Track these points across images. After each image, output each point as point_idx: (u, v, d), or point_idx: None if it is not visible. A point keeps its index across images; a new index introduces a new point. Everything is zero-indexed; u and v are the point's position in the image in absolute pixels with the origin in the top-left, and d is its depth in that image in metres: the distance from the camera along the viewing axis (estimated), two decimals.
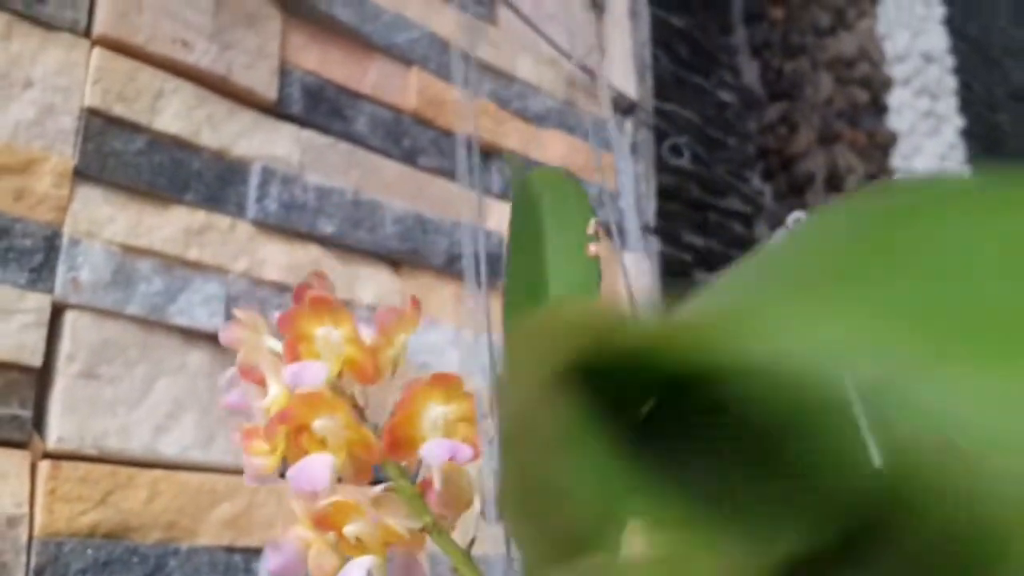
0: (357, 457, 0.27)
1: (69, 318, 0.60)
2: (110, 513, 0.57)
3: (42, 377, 0.59)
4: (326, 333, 0.28)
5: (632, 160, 1.03)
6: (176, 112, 0.67)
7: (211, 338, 0.66)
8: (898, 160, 1.48)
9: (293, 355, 0.27)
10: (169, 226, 0.66)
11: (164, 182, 0.66)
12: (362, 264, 0.76)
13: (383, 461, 0.27)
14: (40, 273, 0.59)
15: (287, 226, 0.72)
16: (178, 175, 0.67)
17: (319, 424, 0.26)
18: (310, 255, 0.73)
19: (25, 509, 0.56)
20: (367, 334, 0.29)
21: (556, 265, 0.47)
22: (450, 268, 0.82)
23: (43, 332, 0.58)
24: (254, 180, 0.71)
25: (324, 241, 0.74)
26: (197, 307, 0.65)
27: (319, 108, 0.77)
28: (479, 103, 0.89)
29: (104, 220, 0.63)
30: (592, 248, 0.42)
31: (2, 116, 0.60)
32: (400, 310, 0.33)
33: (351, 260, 0.75)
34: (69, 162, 0.62)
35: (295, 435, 0.26)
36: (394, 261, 0.78)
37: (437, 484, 0.26)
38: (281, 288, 0.70)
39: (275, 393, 0.28)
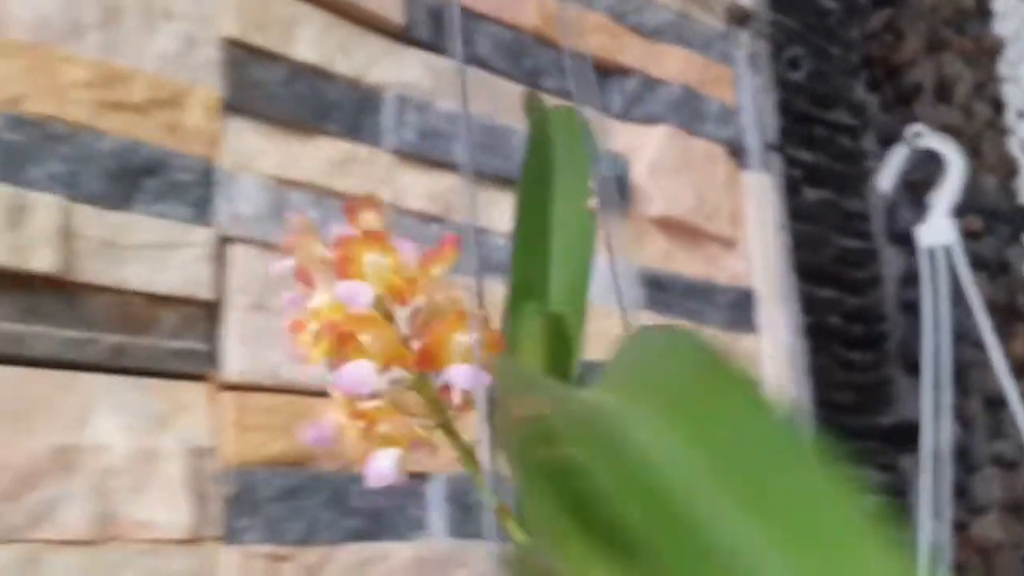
0: (392, 366, 0.32)
1: (235, 251, 0.60)
2: (294, 442, 0.58)
3: (214, 311, 0.59)
4: (375, 260, 0.33)
5: (750, 74, 1.00)
6: (310, 40, 0.66)
7: None
8: (1005, 67, 1.43)
9: (343, 273, 0.32)
10: (315, 157, 0.65)
11: (306, 112, 0.65)
12: (494, 189, 0.74)
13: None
14: (201, 208, 0.59)
15: (423, 154, 0.71)
16: (318, 105, 0.66)
17: (365, 338, 0.31)
18: (447, 182, 0.72)
19: (211, 440, 0.56)
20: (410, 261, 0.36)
21: (560, 212, 0.47)
22: None
23: (211, 266, 0.58)
24: (389, 108, 0.70)
25: (459, 169, 0.73)
26: None
27: (444, 31, 0.75)
28: (595, 18, 0.87)
29: (256, 152, 0.62)
30: (592, 201, 0.43)
31: (147, 49, 0.59)
32: (438, 250, 0.37)
33: (484, 186, 0.74)
34: (216, 94, 0.61)
35: (341, 342, 0.31)
36: None
37: (456, 397, 0.31)
38: (423, 217, 0.70)
39: (324, 300, 0.33)
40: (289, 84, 0.65)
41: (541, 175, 0.48)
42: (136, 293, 0.56)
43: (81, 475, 0.51)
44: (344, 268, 0.34)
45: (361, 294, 0.33)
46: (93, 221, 0.55)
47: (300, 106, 0.65)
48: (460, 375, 0.32)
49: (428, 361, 0.33)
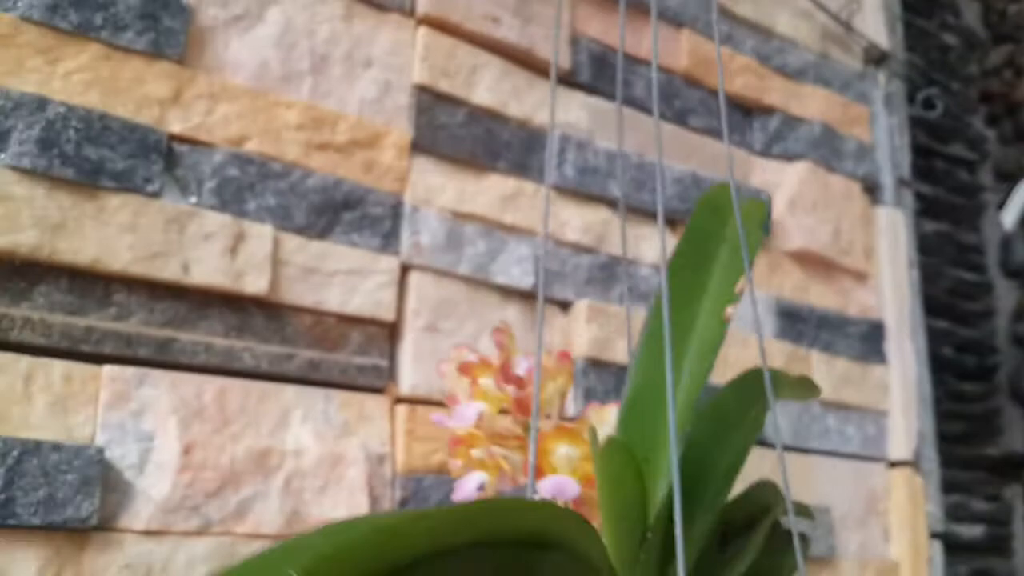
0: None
1: (414, 278, 0.64)
2: None
3: (393, 331, 0.63)
4: (486, 383, 0.45)
5: (886, 112, 1.00)
6: (488, 86, 0.70)
7: (523, 295, 0.69)
8: None
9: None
10: (487, 193, 0.69)
11: (481, 151, 0.69)
12: (644, 224, 0.77)
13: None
14: (388, 238, 0.64)
15: (581, 189, 0.74)
16: (491, 144, 0.70)
17: (480, 452, 0.44)
18: (600, 216, 0.75)
19: (388, 448, 0.61)
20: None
21: (705, 314, 0.48)
22: None
23: (394, 291, 0.63)
24: (551, 142, 0.73)
25: (613, 203, 0.75)
26: (512, 266, 0.69)
27: (604, 74, 0.78)
28: (741, 60, 0.89)
29: (437, 188, 0.66)
30: (728, 311, 0.45)
31: (350, 94, 0.64)
32: (545, 366, 0.47)
33: (635, 220, 0.77)
34: (407, 136, 0.65)
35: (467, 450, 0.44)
36: (672, 220, 0.79)
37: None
38: (578, 248, 0.73)
39: (459, 420, 0.46)
40: (468, 126, 0.69)
41: (700, 267, 0.50)
42: (331, 314, 0.60)
43: (277, 476, 0.56)
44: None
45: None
46: (298, 249, 0.60)
47: (476, 146, 0.69)
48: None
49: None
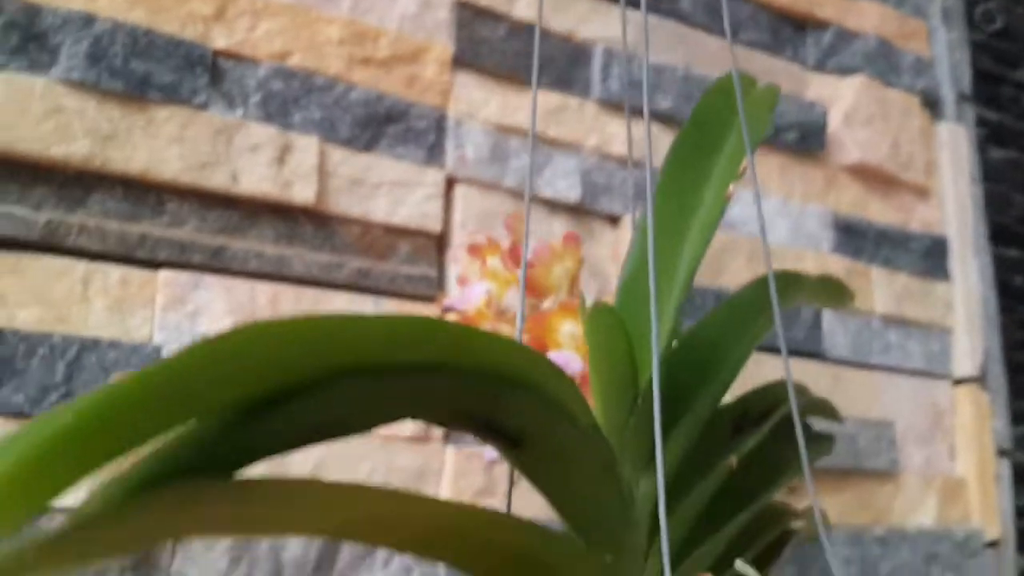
0: None
1: (459, 190, 0.64)
2: None
3: (441, 242, 0.64)
4: (494, 264, 0.45)
5: (944, 27, 0.96)
6: (528, 1, 0.70)
7: (569, 209, 0.69)
8: None
9: (543, 342, 0.44)
10: (530, 107, 0.68)
11: (524, 66, 0.69)
12: None
13: None
14: (433, 151, 0.64)
15: (637, 104, 0.73)
16: (532, 59, 0.69)
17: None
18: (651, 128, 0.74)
19: None
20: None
21: (710, 194, 0.47)
22: (776, 140, 0.81)
23: (440, 203, 0.63)
24: (597, 62, 0.72)
25: (660, 116, 0.74)
26: (558, 180, 0.68)
27: None
28: None
29: (480, 102, 0.66)
30: (729, 189, 0.44)
31: (390, 10, 0.64)
32: (552, 246, 0.47)
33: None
34: (448, 50, 0.65)
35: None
36: None
37: None
38: (622, 161, 0.72)
39: (467, 300, 0.47)
40: (509, 41, 0.68)
41: (707, 150, 0.49)
42: (378, 225, 0.61)
43: None
44: (547, 339, 0.45)
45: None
46: (344, 161, 0.60)
47: (518, 61, 0.68)
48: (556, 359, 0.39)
49: (540, 346, 0.44)
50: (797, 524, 0.56)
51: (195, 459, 0.29)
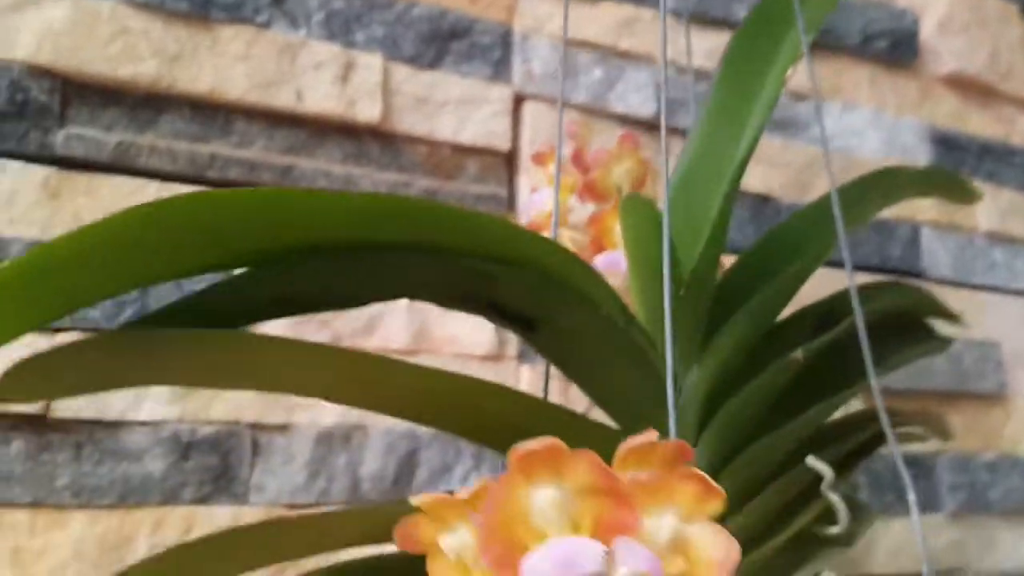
0: None
1: (528, 107, 0.63)
2: None
3: (510, 160, 0.62)
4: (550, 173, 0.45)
5: None
6: None
7: (645, 124, 0.67)
8: None
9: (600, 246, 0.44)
10: (601, 20, 0.66)
11: None
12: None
13: None
14: (499, 67, 0.62)
15: (704, 14, 0.70)
16: None
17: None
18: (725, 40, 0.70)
19: None
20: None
21: (770, 85, 0.45)
22: (864, 49, 0.76)
23: (508, 120, 0.61)
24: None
25: (736, 26, 0.71)
26: (631, 94, 0.66)
27: None
28: None
29: (545, 17, 0.64)
30: (788, 72, 0.43)
31: None
32: (609, 149, 0.46)
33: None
34: None
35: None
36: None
37: None
38: (704, 75, 0.69)
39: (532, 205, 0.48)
40: None
41: (770, 37, 0.47)
42: (445, 143, 0.60)
43: None
44: (604, 240, 0.44)
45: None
46: (408, 79, 0.59)
47: None
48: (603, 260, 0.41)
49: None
50: (911, 430, 0.53)
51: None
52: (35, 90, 0.49)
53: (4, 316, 0.25)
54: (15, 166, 0.48)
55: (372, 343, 0.55)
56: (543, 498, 0.20)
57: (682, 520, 0.22)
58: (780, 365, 0.45)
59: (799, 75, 0.71)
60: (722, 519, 0.38)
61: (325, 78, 0.56)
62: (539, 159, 0.50)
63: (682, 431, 0.40)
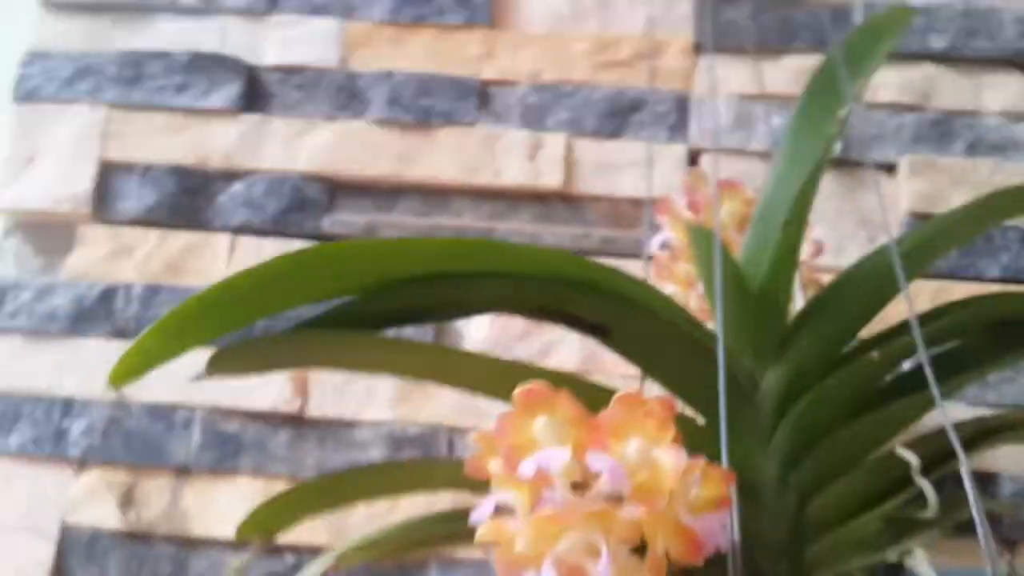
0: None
1: (705, 159, 0.69)
2: None
3: None
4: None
5: None
6: None
7: (835, 162, 0.68)
8: None
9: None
10: (780, 72, 0.70)
11: (774, 37, 0.71)
12: (984, 71, 0.69)
13: None
14: (676, 130, 0.70)
15: (897, 48, 0.70)
16: (786, 29, 0.71)
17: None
18: (923, 72, 0.69)
19: None
20: None
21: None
22: None
23: (685, 171, 0.68)
24: (858, 16, 0.71)
25: (936, 57, 0.69)
26: None
27: None
28: None
29: (724, 79, 0.70)
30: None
31: (632, 18, 0.72)
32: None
33: (970, 70, 0.69)
34: (689, 40, 0.71)
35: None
36: (1021, 64, 0.69)
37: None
38: (896, 108, 0.69)
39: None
40: (756, 17, 0.71)
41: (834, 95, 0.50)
42: (624, 199, 0.69)
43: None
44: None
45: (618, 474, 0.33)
46: (590, 149, 0.69)
47: (766, 34, 0.71)
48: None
49: None
50: None
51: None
52: (309, 190, 0.69)
53: (208, 323, 0.38)
54: (297, 244, 0.68)
55: (546, 363, 0.65)
56: (540, 425, 0.30)
57: (647, 444, 0.30)
58: (853, 365, 0.47)
59: (1015, 93, 0.68)
60: (806, 499, 0.43)
61: (516, 157, 0.69)
62: (659, 207, 0.57)
63: (759, 423, 0.45)
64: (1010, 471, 0.61)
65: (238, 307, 0.35)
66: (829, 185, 0.68)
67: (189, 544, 0.63)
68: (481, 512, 0.31)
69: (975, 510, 0.36)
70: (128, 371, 0.33)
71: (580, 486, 0.30)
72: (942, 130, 0.68)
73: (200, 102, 0.72)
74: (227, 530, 0.62)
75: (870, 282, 0.47)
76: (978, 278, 0.64)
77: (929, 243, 0.48)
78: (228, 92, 0.72)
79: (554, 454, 0.30)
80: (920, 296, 0.45)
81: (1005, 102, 0.68)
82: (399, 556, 0.40)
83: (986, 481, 0.61)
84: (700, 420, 0.43)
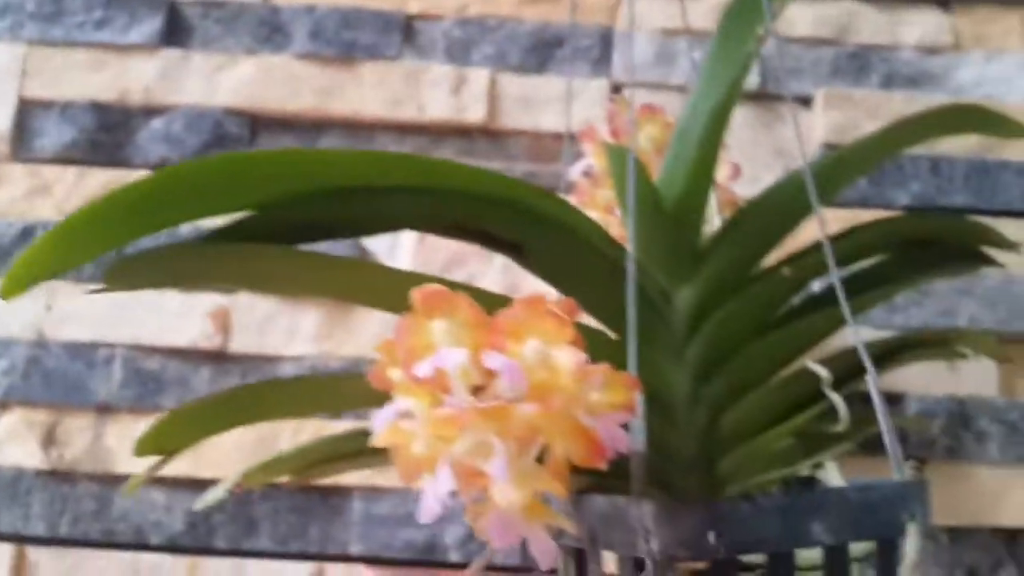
0: None
1: (626, 93, 0.69)
2: None
3: None
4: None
5: None
6: None
7: (749, 96, 0.69)
8: None
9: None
10: (700, 8, 0.70)
11: None
12: (904, 6, 0.70)
13: None
14: (599, 64, 0.70)
15: None
16: None
17: None
18: (841, 7, 0.70)
19: None
20: None
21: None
22: None
23: (604, 108, 0.68)
24: None
25: None
26: None
27: None
28: None
29: (645, 13, 0.70)
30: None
31: None
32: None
33: (890, 5, 0.70)
34: None
35: None
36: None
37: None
38: (814, 42, 0.70)
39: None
40: None
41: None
42: (547, 134, 0.69)
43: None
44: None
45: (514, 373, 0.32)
46: (514, 84, 0.69)
47: None
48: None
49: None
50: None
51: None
52: (230, 125, 0.68)
53: (101, 234, 0.36)
54: None
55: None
56: (438, 328, 0.30)
57: (545, 345, 0.30)
58: (764, 280, 0.48)
59: (932, 28, 0.69)
60: (718, 414, 0.43)
61: (441, 93, 0.69)
62: (582, 134, 0.57)
63: (672, 339, 0.45)
64: (916, 391, 0.63)
65: (134, 218, 0.34)
66: (746, 118, 0.69)
67: (112, 482, 0.62)
68: (381, 418, 0.30)
69: (881, 417, 0.37)
70: (17, 282, 0.32)
71: (480, 390, 0.31)
72: (859, 63, 0.69)
73: (120, 37, 0.70)
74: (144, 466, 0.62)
75: (783, 204, 0.48)
76: (888, 206, 0.66)
77: (837, 169, 0.49)
78: (148, 27, 0.70)
79: (451, 354, 0.30)
80: (831, 225, 0.45)
81: (922, 36, 0.69)
82: (308, 476, 0.40)
83: (893, 401, 0.63)
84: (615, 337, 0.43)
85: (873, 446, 0.60)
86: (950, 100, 0.67)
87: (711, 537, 0.31)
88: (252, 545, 0.61)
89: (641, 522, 0.31)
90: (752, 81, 0.68)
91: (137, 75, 0.69)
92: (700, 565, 0.32)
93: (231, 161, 0.35)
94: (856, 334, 0.38)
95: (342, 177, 0.38)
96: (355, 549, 0.61)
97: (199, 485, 0.61)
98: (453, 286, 0.32)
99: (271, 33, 0.70)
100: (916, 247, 0.51)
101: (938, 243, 0.52)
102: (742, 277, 0.48)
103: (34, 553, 0.61)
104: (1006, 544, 0.61)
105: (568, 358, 0.30)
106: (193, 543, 0.61)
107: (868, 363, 0.38)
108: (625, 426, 0.33)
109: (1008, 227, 0.62)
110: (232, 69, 0.69)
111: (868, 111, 0.67)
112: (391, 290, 0.32)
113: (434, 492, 0.29)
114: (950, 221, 0.53)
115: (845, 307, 0.39)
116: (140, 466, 0.62)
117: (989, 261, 0.52)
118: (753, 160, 0.67)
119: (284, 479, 0.42)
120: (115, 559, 0.61)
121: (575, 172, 0.56)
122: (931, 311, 0.64)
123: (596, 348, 0.36)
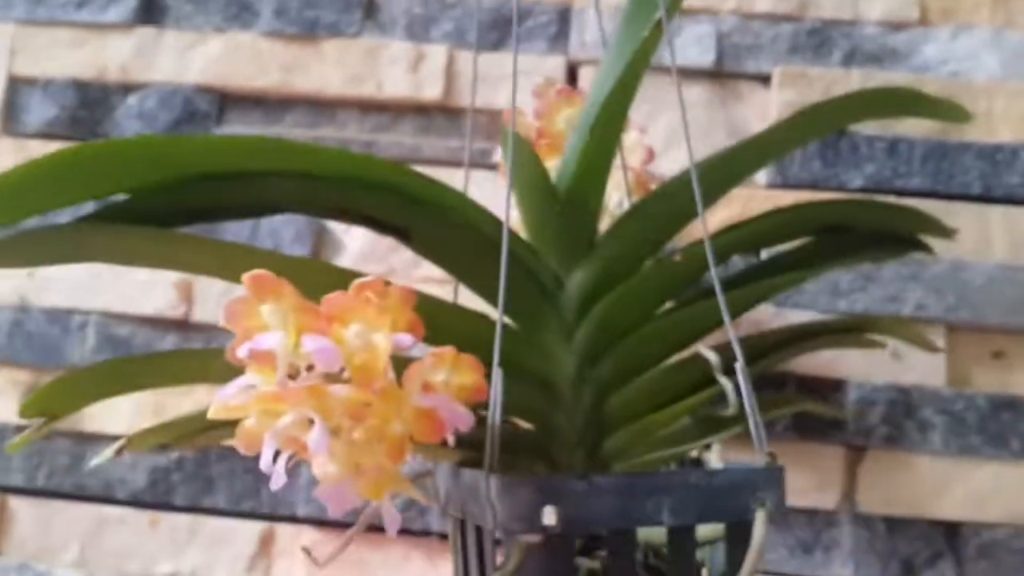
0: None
1: (582, 72, 0.69)
2: None
3: None
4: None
5: None
6: None
7: (705, 73, 0.68)
8: None
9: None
10: None
11: None
12: None
13: None
14: (556, 42, 0.70)
15: None
16: None
17: None
18: None
19: None
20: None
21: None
22: None
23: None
24: None
25: None
26: (690, 47, 0.68)
27: None
28: None
29: None
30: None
31: None
32: (550, 100, 0.52)
33: None
34: None
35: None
36: None
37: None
38: (774, 18, 0.68)
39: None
40: None
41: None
42: (500, 110, 0.69)
43: None
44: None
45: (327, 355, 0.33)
46: (471, 60, 0.70)
47: None
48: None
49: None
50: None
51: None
52: (200, 102, 0.71)
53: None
54: None
55: (419, 273, 0.67)
56: (267, 311, 0.32)
57: (366, 329, 0.32)
58: (657, 266, 0.49)
59: (897, 2, 0.67)
60: (604, 395, 0.45)
61: (399, 70, 0.70)
62: (504, 117, 0.58)
63: (561, 323, 0.46)
64: (856, 378, 0.62)
65: (7, 203, 0.36)
66: (702, 96, 0.68)
67: (84, 439, 0.66)
68: (225, 392, 0.33)
69: (747, 405, 0.38)
70: None
71: (311, 370, 0.33)
72: (819, 39, 0.68)
73: (99, 16, 0.73)
74: (118, 427, 0.66)
75: (685, 192, 0.48)
76: (841, 188, 0.65)
77: (749, 152, 0.49)
78: (125, 5, 0.73)
79: (269, 337, 0.32)
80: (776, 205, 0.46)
81: (887, 11, 0.67)
82: (192, 442, 0.43)
83: (833, 387, 0.63)
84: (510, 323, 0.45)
85: (804, 428, 0.61)
86: (911, 78, 0.66)
87: (546, 513, 0.33)
88: (209, 503, 0.65)
89: (488, 496, 0.33)
90: (708, 59, 0.68)
91: (114, 53, 0.72)
92: (537, 538, 0.33)
93: (102, 148, 0.37)
94: (729, 328, 0.38)
95: (216, 162, 0.39)
96: (302, 511, 0.64)
97: (162, 446, 0.64)
98: (292, 264, 0.33)
99: (239, 11, 0.72)
100: (828, 233, 0.51)
101: (861, 229, 0.52)
102: (637, 263, 0.48)
103: (13, 502, 0.66)
104: (945, 537, 0.61)
105: (386, 343, 0.32)
106: (154, 499, 0.65)
107: (738, 349, 0.38)
108: (484, 405, 0.35)
109: (964, 212, 0.62)
110: (202, 47, 0.71)
111: (825, 89, 0.66)
112: (240, 267, 0.34)
113: (264, 463, 0.31)
114: (873, 206, 0.52)
115: (722, 299, 0.39)
116: (111, 426, 0.66)
117: (922, 247, 0.51)
118: (708, 139, 0.67)
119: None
120: (84, 510, 0.65)
121: (497, 154, 0.57)
122: (876, 296, 0.63)
123: (481, 331, 0.37)
